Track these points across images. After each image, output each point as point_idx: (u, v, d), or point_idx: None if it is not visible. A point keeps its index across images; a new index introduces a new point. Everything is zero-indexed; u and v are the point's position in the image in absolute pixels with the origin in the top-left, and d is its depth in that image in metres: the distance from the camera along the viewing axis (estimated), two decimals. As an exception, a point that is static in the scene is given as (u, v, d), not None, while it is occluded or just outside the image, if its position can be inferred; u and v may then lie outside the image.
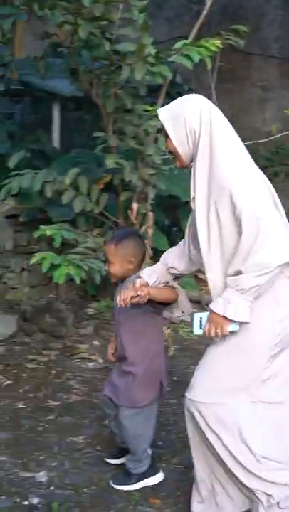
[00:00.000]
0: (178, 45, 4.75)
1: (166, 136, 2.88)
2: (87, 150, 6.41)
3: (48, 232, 4.72)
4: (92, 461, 3.71)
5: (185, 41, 4.81)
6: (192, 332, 2.99)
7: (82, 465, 3.66)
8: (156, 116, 4.80)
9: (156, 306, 3.25)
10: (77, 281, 4.36)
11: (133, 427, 3.34)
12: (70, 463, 3.68)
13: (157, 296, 3.14)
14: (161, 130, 3.02)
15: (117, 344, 3.46)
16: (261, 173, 2.89)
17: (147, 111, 4.90)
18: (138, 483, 3.41)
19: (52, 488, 3.43)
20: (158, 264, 3.23)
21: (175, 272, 3.19)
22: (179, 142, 2.85)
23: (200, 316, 2.93)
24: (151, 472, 3.45)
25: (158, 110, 2.91)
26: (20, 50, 8.73)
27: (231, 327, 2.82)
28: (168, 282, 3.21)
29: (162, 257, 3.24)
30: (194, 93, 3.06)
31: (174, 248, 3.28)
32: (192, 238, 3.12)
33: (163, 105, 5.11)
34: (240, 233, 2.72)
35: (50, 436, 4.00)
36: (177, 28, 9.70)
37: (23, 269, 6.16)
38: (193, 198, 2.87)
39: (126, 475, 3.46)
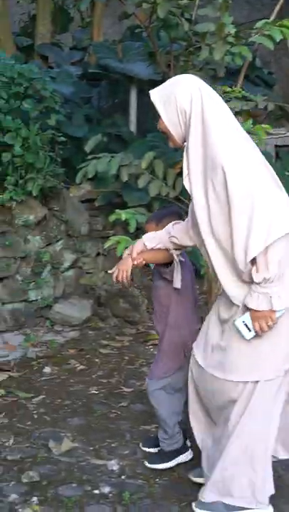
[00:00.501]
0: (259, 24, 4.61)
1: (159, 116, 2.85)
2: (163, 134, 6.31)
3: (124, 217, 4.68)
4: (165, 450, 3.64)
5: (266, 20, 4.66)
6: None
7: (154, 454, 3.60)
8: (236, 98, 4.72)
9: (166, 271, 3.22)
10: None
11: (159, 401, 3.38)
12: (142, 452, 3.61)
13: (152, 259, 3.25)
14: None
15: None
16: (258, 149, 2.83)
17: (226, 93, 4.78)
18: (172, 461, 3.43)
19: (123, 477, 3.38)
20: (162, 230, 3.20)
21: (176, 241, 3.14)
22: (171, 123, 2.82)
23: (242, 321, 2.82)
24: (183, 450, 3.46)
25: (150, 91, 2.86)
26: (99, 34, 8.73)
27: (278, 313, 2.77)
28: (168, 250, 3.18)
29: (168, 225, 3.20)
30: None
31: (181, 222, 3.19)
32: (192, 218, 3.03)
33: (242, 88, 5.04)
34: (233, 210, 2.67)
35: (123, 423, 3.95)
36: (258, 11, 9.51)
37: (99, 254, 6.13)
38: (187, 176, 2.82)
39: (160, 454, 3.48)
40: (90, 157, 5.30)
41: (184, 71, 5.00)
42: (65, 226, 5.88)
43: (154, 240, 3.18)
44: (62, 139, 5.83)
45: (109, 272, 3.27)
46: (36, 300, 5.60)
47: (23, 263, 5.58)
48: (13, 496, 3.17)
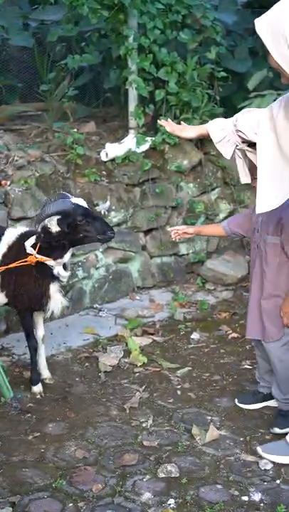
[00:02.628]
0: None
1: (267, 51, 2.44)
2: None
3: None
4: None
5: None
6: None
7: (317, 453, 3.02)
8: None
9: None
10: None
11: (276, 361, 3.17)
12: (302, 449, 3.06)
13: (202, 232, 3.70)
14: None
15: None
16: None
17: None
18: None
19: (278, 481, 2.84)
20: (229, 121, 2.88)
21: (244, 137, 2.81)
22: (282, 58, 2.40)
23: None
24: None
25: (255, 21, 2.43)
26: None
27: None
28: (236, 146, 2.85)
29: (236, 117, 2.87)
30: None
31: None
32: None
33: None
34: None
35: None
36: None
37: (258, 205, 5.56)
38: None
39: (283, 417, 3.20)
40: (253, 95, 5.03)
41: None
42: (222, 173, 5.53)
43: (223, 132, 2.85)
44: (223, 74, 5.49)
45: None
46: (187, 254, 5.29)
47: (175, 213, 5.25)
48: (147, 495, 2.73)
